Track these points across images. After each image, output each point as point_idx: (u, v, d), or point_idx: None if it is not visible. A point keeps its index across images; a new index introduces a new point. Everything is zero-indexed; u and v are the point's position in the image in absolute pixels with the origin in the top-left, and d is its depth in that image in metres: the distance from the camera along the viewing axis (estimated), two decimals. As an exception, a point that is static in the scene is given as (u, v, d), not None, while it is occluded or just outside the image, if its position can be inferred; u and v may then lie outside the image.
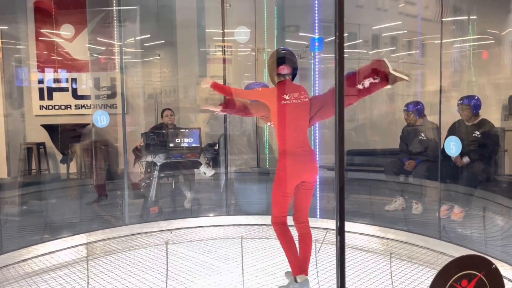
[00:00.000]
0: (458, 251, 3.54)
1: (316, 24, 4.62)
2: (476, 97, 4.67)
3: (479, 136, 4.53)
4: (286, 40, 6.57)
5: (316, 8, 4.60)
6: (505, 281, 3.13)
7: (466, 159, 4.55)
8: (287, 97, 3.01)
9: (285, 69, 3.09)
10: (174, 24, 7.09)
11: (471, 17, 5.39)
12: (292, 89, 3.06)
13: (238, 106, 3.37)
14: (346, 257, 3.91)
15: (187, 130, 5.05)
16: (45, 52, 7.15)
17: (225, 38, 5.09)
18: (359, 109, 7.00)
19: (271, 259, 3.69)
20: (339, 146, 1.34)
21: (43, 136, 6.90)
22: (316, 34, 4.61)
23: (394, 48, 6.79)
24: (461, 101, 4.65)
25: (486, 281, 1.49)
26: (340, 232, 1.35)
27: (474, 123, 4.59)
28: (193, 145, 5.00)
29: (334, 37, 1.56)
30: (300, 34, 6.51)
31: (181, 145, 4.97)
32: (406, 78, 2.92)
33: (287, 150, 2.97)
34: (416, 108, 5.08)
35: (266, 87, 3.33)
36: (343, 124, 1.31)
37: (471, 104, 4.58)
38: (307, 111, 3.06)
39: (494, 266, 1.51)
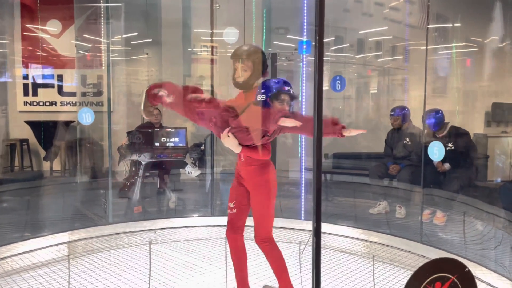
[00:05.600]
0: (439, 255, 3.59)
1: (305, 27, 4.65)
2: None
3: (452, 148, 4.63)
4: (274, 42, 6.59)
5: (305, 11, 4.63)
6: (483, 284, 3.19)
7: (447, 165, 4.63)
8: None
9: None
10: (161, 23, 7.05)
11: (455, 24, 5.49)
12: None
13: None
14: (329, 259, 3.94)
15: (173, 130, 5.03)
16: (31, 48, 7.05)
17: (214, 38, 5.09)
18: (345, 112, 7.06)
19: (254, 260, 3.70)
20: (316, 150, 1.36)
21: (27, 133, 6.80)
22: (304, 37, 4.63)
23: (380, 52, 6.87)
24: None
25: (459, 284, 1.52)
26: (317, 233, 1.36)
27: (444, 135, 4.68)
28: (179, 144, 4.97)
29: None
30: (288, 36, 6.53)
31: (167, 145, 4.94)
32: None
33: (269, 161, 2.78)
34: (402, 113, 5.15)
35: (289, 85, 2.66)
36: (321, 127, 1.34)
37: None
38: None
39: (467, 269, 1.54)
